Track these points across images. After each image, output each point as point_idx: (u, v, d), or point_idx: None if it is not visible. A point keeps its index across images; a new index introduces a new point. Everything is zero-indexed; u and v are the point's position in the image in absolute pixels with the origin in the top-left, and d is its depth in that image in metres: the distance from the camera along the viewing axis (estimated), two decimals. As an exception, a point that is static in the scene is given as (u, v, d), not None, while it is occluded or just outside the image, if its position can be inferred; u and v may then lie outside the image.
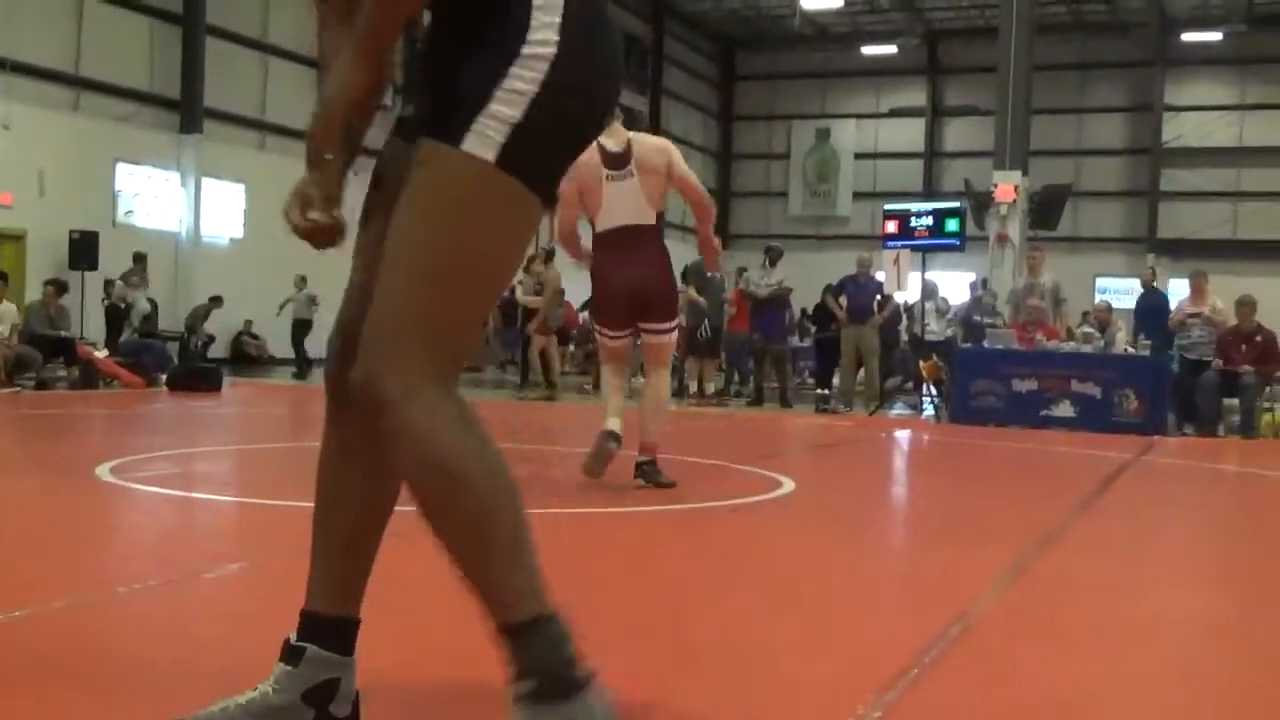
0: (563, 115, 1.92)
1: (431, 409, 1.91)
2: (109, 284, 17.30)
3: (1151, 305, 14.82)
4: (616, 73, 2.04)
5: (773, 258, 14.94)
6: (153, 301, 17.75)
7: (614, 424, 6.06)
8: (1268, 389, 12.28)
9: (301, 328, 19.60)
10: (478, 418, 1.96)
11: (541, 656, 1.96)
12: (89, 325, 17.05)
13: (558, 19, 1.89)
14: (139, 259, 18.61)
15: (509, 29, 1.88)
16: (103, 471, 5.99)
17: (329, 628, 2.21)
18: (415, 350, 1.91)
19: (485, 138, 1.87)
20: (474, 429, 1.95)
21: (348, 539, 2.25)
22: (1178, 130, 33.61)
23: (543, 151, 1.93)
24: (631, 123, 6.29)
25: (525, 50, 1.87)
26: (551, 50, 1.88)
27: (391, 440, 1.94)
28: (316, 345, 19.64)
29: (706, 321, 14.63)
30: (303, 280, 19.62)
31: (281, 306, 19.86)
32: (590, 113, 1.99)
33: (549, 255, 15.54)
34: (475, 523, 1.96)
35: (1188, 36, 32.27)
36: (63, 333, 14.20)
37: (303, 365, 19.21)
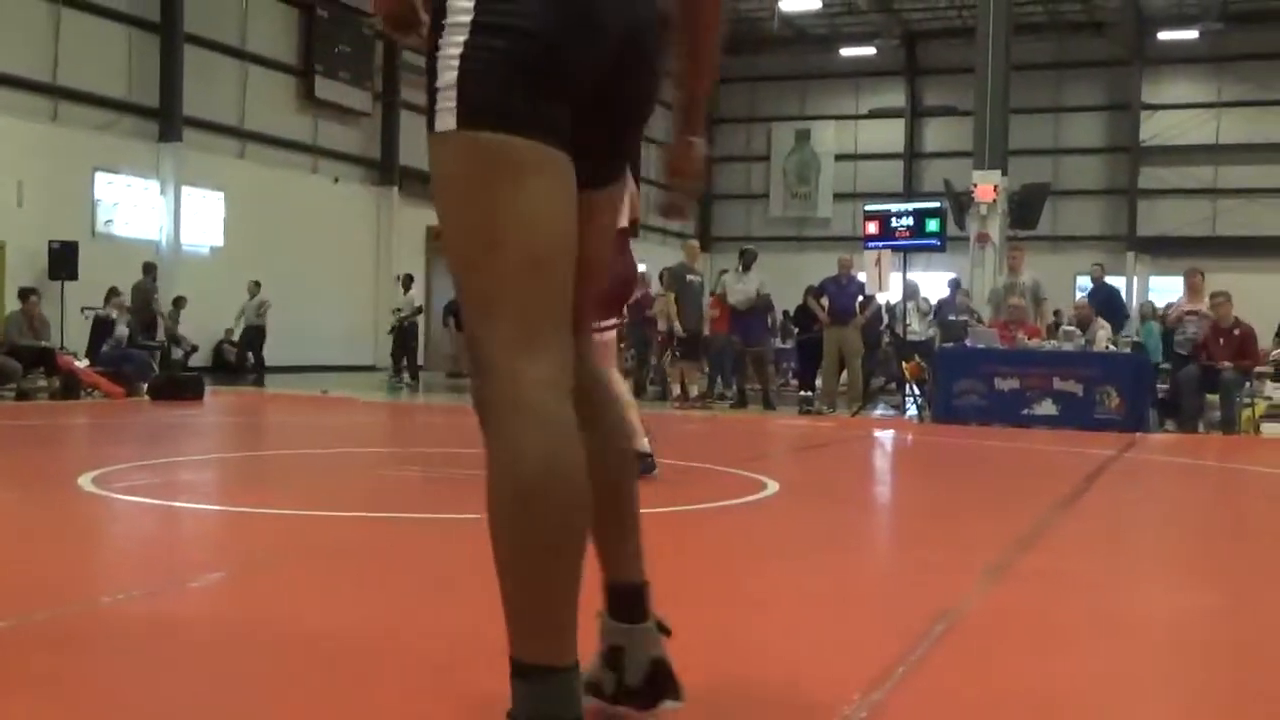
0: (496, 55, 1.89)
1: (513, 399, 1.88)
2: (113, 292, 16.93)
3: (1101, 299, 14.91)
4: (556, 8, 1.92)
5: (747, 261, 14.97)
6: (175, 314, 17.86)
7: (644, 444, 6.22)
8: (1247, 384, 12.34)
9: (253, 334, 19.59)
10: (569, 415, 1.91)
11: (552, 710, 1.90)
12: (70, 335, 16.96)
13: None
14: (149, 269, 18.55)
15: (437, 7, 1.95)
16: (85, 482, 5.96)
17: (610, 594, 2.28)
18: (479, 337, 1.92)
19: (444, 111, 1.90)
20: (559, 430, 1.89)
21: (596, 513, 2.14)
22: (1155, 129, 33.76)
23: (494, 94, 1.89)
24: None
25: (448, 19, 1.92)
26: (469, 6, 1.91)
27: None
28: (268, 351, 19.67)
29: (677, 325, 14.58)
30: (256, 286, 19.62)
31: (239, 317, 19.88)
32: (530, 37, 1.89)
33: None
34: (535, 538, 1.89)
35: (1164, 35, 32.42)
36: (43, 343, 14.14)
37: (259, 371, 19.21)
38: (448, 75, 1.90)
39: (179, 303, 19.47)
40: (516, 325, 1.89)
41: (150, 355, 16.32)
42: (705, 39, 2.26)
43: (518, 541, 1.87)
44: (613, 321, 6.61)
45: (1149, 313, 18.88)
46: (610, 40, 1.97)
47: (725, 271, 16.34)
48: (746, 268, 14.91)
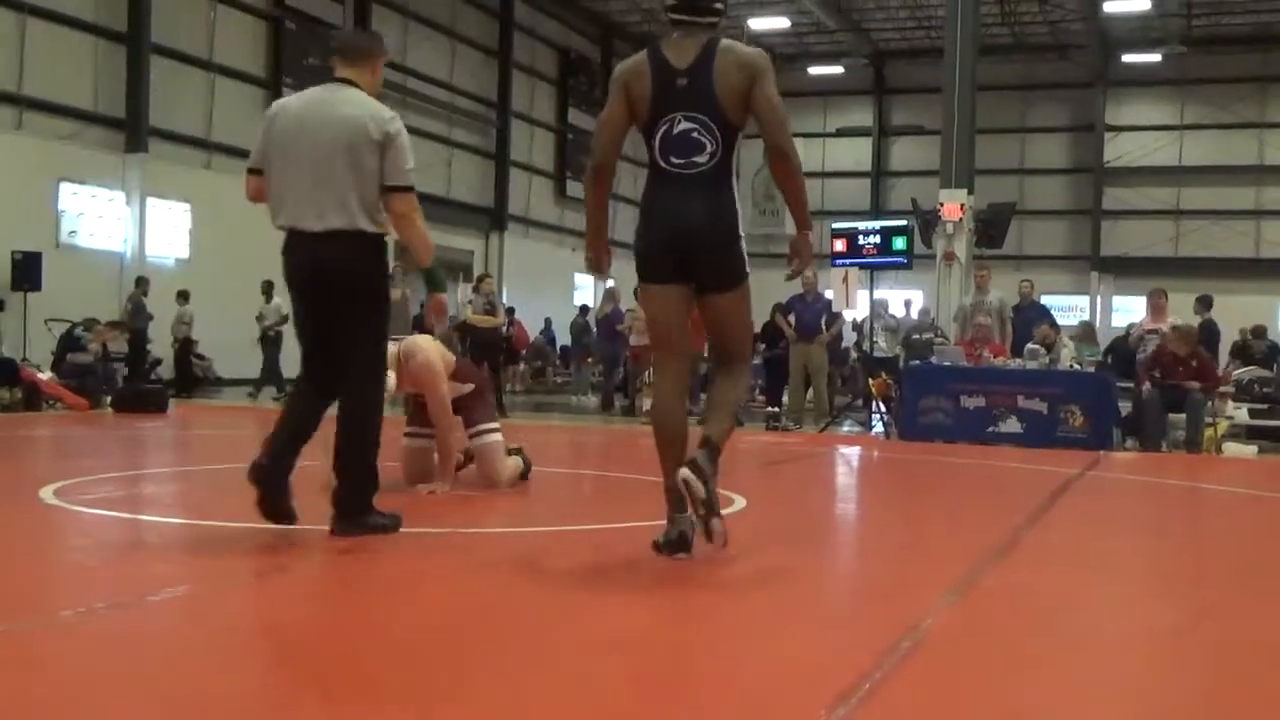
0: (636, 252, 4.64)
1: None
2: (93, 322, 16.47)
3: (1029, 318, 14.97)
4: (658, 231, 4.60)
5: None
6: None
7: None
8: (1209, 404, 12.43)
9: (187, 345, 18.99)
10: (671, 385, 4.74)
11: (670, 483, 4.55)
12: (33, 346, 16.81)
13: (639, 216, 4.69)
14: (140, 283, 18.31)
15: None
16: (47, 494, 5.91)
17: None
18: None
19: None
20: (661, 388, 4.80)
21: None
22: (1119, 150, 34.12)
23: (640, 267, 4.69)
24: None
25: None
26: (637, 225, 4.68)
27: None
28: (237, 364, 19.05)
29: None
30: (182, 297, 18.98)
31: (173, 331, 19.07)
32: (643, 250, 4.64)
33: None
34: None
35: (1128, 58, 32.80)
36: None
37: (189, 383, 18.69)
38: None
39: (141, 284, 18.94)
40: (654, 356, 4.88)
41: (111, 367, 16.16)
42: (789, 186, 4.71)
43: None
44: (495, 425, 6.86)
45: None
46: (674, 238, 4.56)
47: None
48: None
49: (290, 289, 5.02)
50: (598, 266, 4.87)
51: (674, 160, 4.52)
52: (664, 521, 4.59)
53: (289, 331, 17.63)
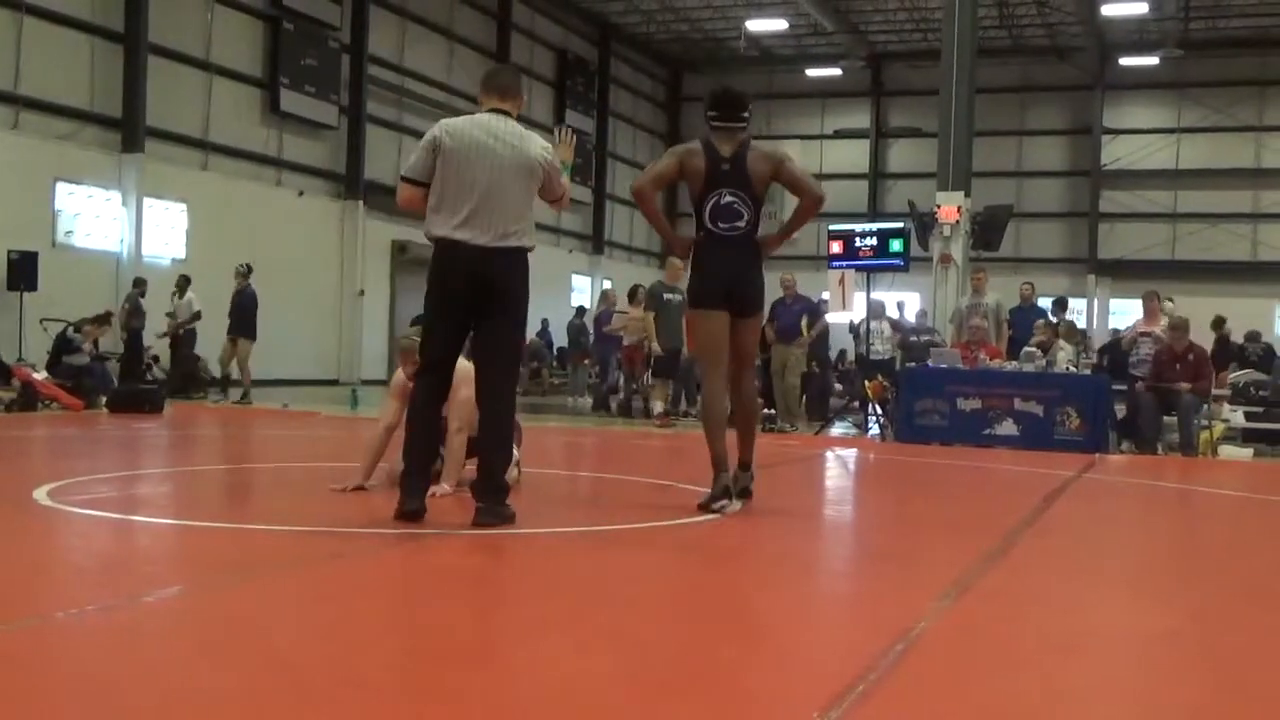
0: (691, 289, 6.42)
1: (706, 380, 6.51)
2: (85, 321, 16.18)
3: (1028, 320, 14.96)
4: (711, 279, 6.26)
5: None
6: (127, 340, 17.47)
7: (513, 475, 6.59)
8: (1205, 407, 12.45)
9: (189, 342, 18.21)
10: (719, 385, 6.27)
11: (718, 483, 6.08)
12: (28, 346, 16.78)
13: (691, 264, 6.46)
14: (139, 283, 18.21)
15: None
16: (40, 495, 5.89)
17: (740, 463, 6.41)
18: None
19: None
20: (713, 392, 6.29)
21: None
22: (1116, 153, 34.13)
23: (695, 298, 6.44)
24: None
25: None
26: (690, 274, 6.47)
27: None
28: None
29: (655, 345, 14.72)
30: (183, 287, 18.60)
31: (175, 328, 18.80)
32: (699, 289, 6.32)
33: (245, 273, 16.72)
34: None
35: (1125, 61, 32.82)
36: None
37: (185, 383, 17.94)
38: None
39: (139, 285, 18.70)
40: (706, 364, 6.39)
41: (106, 367, 16.13)
42: (799, 220, 6.44)
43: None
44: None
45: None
46: (724, 283, 6.24)
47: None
48: None
49: (441, 296, 5.44)
50: (684, 253, 6.58)
51: (721, 225, 6.17)
52: (661, 522, 4.63)
53: (200, 329, 17.27)
